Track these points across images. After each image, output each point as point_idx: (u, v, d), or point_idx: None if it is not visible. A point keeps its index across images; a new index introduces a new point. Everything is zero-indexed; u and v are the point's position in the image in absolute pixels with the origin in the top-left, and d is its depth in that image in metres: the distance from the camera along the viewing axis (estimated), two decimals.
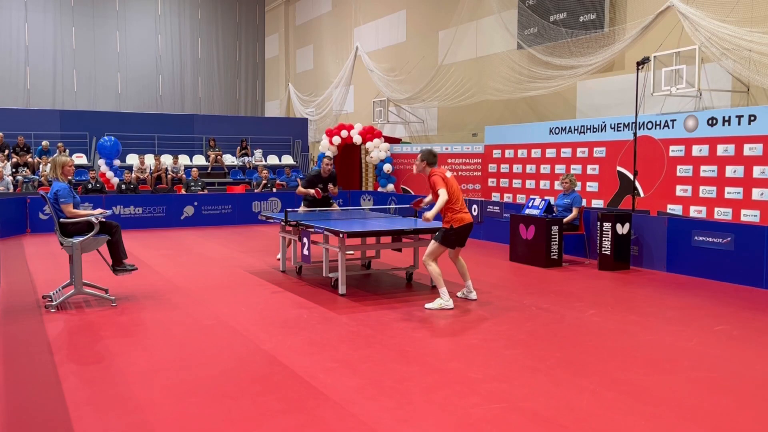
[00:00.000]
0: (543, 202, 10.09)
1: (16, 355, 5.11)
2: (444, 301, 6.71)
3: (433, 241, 6.87)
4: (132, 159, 18.80)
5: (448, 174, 6.84)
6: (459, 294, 7.24)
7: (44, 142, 17.68)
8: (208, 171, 19.65)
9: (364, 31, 22.32)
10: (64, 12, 26.22)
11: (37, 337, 5.62)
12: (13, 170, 16.50)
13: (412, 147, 17.77)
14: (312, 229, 7.71)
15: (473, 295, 7.17)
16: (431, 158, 6.96)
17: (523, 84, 14.71)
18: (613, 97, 13.39)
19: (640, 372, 4.75)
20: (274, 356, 5.09)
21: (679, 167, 11.17)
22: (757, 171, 10.00)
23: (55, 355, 5.10)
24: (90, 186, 15.63)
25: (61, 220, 6.68)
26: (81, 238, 6.68)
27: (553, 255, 9.51)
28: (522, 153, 14.74)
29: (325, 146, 18.01)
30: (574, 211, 9.78)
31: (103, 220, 6.84)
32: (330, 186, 9.50)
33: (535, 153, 14.33)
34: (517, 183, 14.91)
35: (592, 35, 13.37)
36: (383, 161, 17.18)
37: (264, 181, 17.53)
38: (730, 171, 10.37)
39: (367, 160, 17.64)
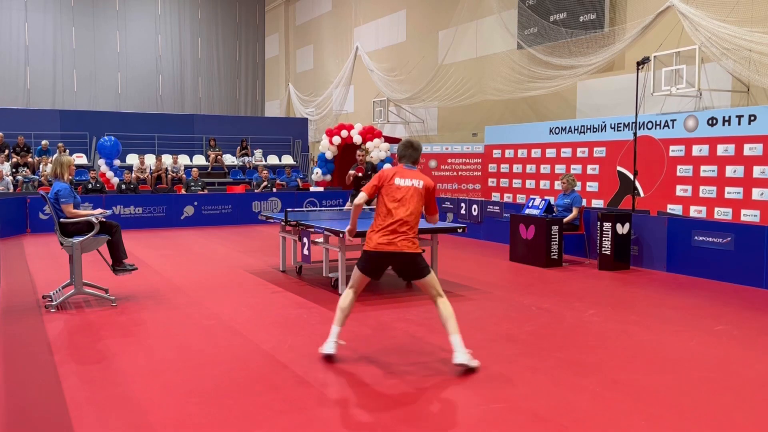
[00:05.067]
0: (543, 202, 10.09)
1: (16, 355, 5.11)
2: (325, 343, 5.01)
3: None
4: (132, 159, 18.80)
5: (404, 182, 4.90)
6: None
7: (44, 142, 17.67)
8: (208, 171, 19.64)
9: (364, 31, 22.31)
10: (64, 12, 26.21)
11: (38, 337, 5.62)
12: (13, 170, 16.50)
13: None
14: (312, 229, 7.71)
15: (459, 358, 4.68)
16: (401, 150, 5.10)
17: (523, 84, 14.70)
18: (613, 97, 13.39)
19: (640, 372, 4.75)
20: (274, 356, 5.08)
21: (679, 167, 11.17)
22: (757, 171, 9.99)
23: (55, 355, 5.09)
24: (90, 186, 15.63)
25: (61, 220, 6.68)
26: (81, 238, 6.68)
27: (553, 255, 9.51)
28: (522, 153, 14.74)
29: (325, 146, 18.02)
30: (574, 211, 9.78)
31: (103, 220, 6.84)
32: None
33: (535, 153, 14.33)
34: (517, 183, 14.90)
35: (592, 35, 13.37)
36: (383, 161, 17.17)
37: (264, 182, 17.54)
38: (730, 171, 10.37)
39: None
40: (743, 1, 10.69)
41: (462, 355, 4.69)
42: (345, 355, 5.11)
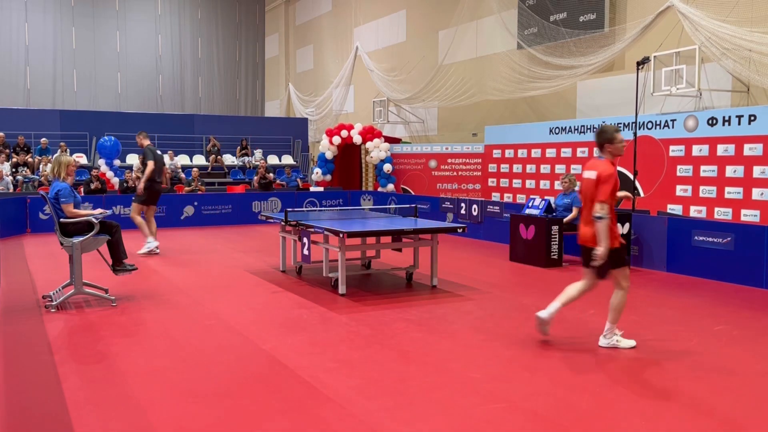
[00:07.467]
0: (543, 202, 10.09)
1: (16, 355, 5.11)
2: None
3: None
4: (132, 159, 18.81)
5: (585, 174, 5.16)
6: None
7: (43, 140, 17.67)
8: (208, 171, 19.64)
9: (364, 31, 22.31)
10: (64, 12, 26.22)
11: (38, 337, 5.62)
12: (13, 170, 16.50)
13: (412, 147, 17.77)
14: (312, 229, 7.71)
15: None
16: (598, 137, 5.04)
17: (523, 84, 14.71)
18: (613, 97, 13.40)
19: (640, 372, 4.75)
20: (274, 356, 5.09)
21: (679, 167, 11.17)
22: (757, 171, 10.00)
23: (55, 355, 5.09)
24: (90, 186, 15.62)
25: (62, 219, 6.68)
26: (81, 238, 6.68)
27: (553, 255, 9.51)
28: (522, 153, 14.74)
29: (325, 146, 18.03)
30: (574, 211, 9.77)
31: (104, 219, 6.84)
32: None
33: (535, 153, 14.33)
34: (517, 183, 14.91)
35: (592, 35, 13.37)
36: (383, 161, 17.18)
37: (261, 178, 17.46)
38: (730, 171, 10.37)
39: (367, 160, 17.64)
40: (743, 1, 10.69)
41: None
42: (346, 354, 5.12)
